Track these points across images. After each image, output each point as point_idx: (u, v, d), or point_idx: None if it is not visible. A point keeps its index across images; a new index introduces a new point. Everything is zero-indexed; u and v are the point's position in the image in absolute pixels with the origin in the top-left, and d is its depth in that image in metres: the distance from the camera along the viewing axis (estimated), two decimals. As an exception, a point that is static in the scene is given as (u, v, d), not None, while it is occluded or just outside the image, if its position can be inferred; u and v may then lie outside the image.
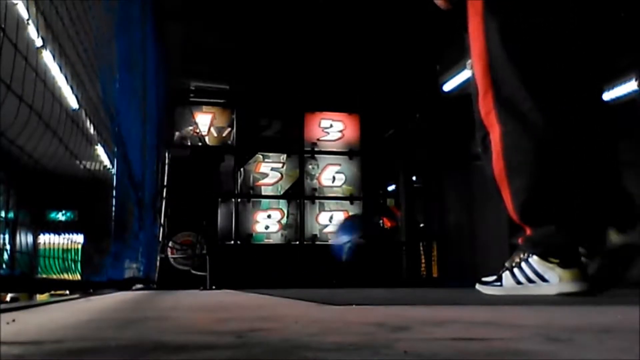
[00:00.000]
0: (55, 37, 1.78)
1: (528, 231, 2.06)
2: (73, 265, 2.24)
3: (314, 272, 6.88)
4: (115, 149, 3.13)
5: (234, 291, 3.48)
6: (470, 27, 2.15)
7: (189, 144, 7.62)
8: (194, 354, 0.60)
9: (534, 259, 2.02)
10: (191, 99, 7.76)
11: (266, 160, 7.84)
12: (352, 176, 8.00)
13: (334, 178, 7.96)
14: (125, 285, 3.41)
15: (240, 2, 6.17)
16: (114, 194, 3.28)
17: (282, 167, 7.87)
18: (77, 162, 2.06)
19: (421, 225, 8.38)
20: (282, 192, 7.81)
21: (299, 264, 7.24)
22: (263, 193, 7.79)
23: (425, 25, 6.27)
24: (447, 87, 7.37)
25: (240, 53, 7.00)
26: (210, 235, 7.22)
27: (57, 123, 1.64)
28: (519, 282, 2.06)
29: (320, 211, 7.85)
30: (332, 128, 8.07)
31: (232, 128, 7.75)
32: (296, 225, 7.74)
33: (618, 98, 5.94)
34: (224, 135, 7.76)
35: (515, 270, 2.07)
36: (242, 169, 7.72)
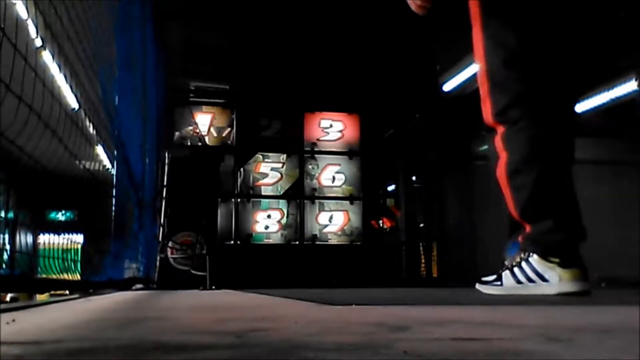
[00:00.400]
0: (54, 37, 1.78)
1: (528, 229, 2.09)
2: (73, 265, 2.24)
3: (314, 272, 6.87)
4: (115, 149, 3.13)
5: (233, 291, 3.48)
6: (473, 32, 2.22)
7: (189, 144, 7.62)
8: (194, 354, 0.60)
9: (534, 258, 2.03)
10: (191, 99, 7.76)
11: (266, 160, 7.83)
12: (352, 176, 8.00)
13: (333, 178, 7.95)
14: (125, 285, 3.40)
15: (240, 2, 6.18)
16: (114, 193, 3.28)
17: (282, 167, 7.87)
18: (77, 162, 2.06)
19: (421, 225, 8.38)
20: (282, 192, 7.81)
21: (298, 264, 7.24)
22: (263, 193, 7.78)
23: (425, 25, 6.27)
24: (447, 87, 7.37)
25: (240, 53, 7.00)
26: (210, 235, 7.22)
27: (56, 123, 1.64)
28: (519, 282, 2.06)
29: (320, 211, 7.84)
30: (332, 128, 8.07)
31: (232, 128, 7.75)
32: (296, 225, 7.74)
33: (618, 98, 5.95)
34: (223, 135, 7.76)
35: (516, 269, 2.08)
36: (242, 169, 7.72)
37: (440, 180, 7.99)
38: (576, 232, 2.04)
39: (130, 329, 0.90)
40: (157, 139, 5.88)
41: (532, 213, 2.07)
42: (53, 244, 2.21)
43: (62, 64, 1.93)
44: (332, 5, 6.22)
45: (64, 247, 2.29)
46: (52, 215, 9.53)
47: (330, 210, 7.87)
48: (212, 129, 7.72)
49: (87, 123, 2.25)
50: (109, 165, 3.12)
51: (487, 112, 2.17)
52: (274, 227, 7.70)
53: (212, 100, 7.82)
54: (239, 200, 7.66)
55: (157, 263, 6.38)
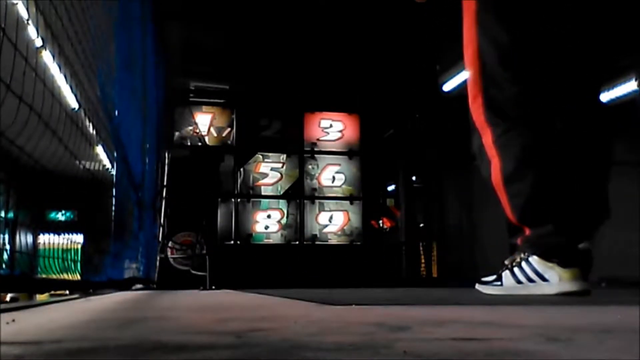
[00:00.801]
0: (54, 37, 1.78)
1: (527, 231, 2.07)
2: (73, 265, 2.24)
3: (314, 272, 6.88)
4: (115, 149, 3.13)
5: (234, 291, 3.48)
6: (464, 31, 2.16)
7: (189, 144, 7.62)
8: (194, 354, 0.60)
9: (534, 259, 2.02)
10: (191, 99, 7.76)
11: (266, 160, 7.84)
12: (352, 176, 8.00)
13: (333, 178, 7.96)
14: (125, 285, 3.40)
15: (240, 2, 6.18)
16: (114, 194, 3.28)
17: (282, 167, 7.87)
18: (77, 162, 2.06)
19: (421, 225, 8.38)
20: (281, 192, 7.81)
21: (298, 264, 7.25)
22: (263, 193, 7.79)
23: (425, 25, 6.27)
24: (447, 87, 7.37)
25: (240, 53, 7.00)
26: (210, 235, 7.22)
27: (56, 123, 1.64)
28: (519, 282, 2.05)
29: (320, 211, 7.85)
30: (331, 128, 8.07)
31: (232, 128, 7.75)
32: (296, 225, 7.74)
33: (618, 98, 5.94)
34: (223, 135, 7.76)
35: (516, 269, 2.07)
36: (242, 169, 7.72)
37: (440, 180, 8.00)
38: (578, 233, 2.01)
39: (130, 329, 0.90)
40: (157, 139, 5.88)
41: (531, 219, 2.04)
42: (53, 244, 2.21)
43: (62, 64, 1.93)
44: (332, 5, 6.22)
45: (64, 247, 2.30)
46: (52, 215, 9.53)
47: (330, 210, 7.87)
48: (212, 129, 7.73)
49: (87, 123, 2.25)
50: (108, 165, 3.12)
51: (479, 113, 2.09)
52: (274, 227, 7.70)
53: (212, 100, 7.83)
54: (239, 200, 7.66)
55: (157, 263, 6.38)
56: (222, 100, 7.87)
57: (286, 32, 6.65)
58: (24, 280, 1.64)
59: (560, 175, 2.03)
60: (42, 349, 0.66)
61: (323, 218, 7.84)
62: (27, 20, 1.63)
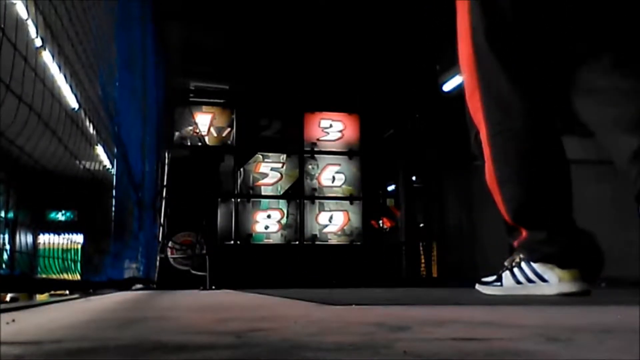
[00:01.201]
0: (54, 37, 1.78)
1: (523, 233, 2.06)
2: (73, 265, 2.24)
3: (314, 272, 6.87)
4: (115, 149, 3.13)
5: (234, 291, 3.48)
6: (459, 27, 2.14)
7: (189, 144, 7.62)
8: (194, 354, 0.60)
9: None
10: (191, 99, 7.76)
11: (266, 160, 7.84)
12: (352, 176, 8.00)
13: (333, 178, 7.96)
14: (125, 285, 3.40)
15: (240, 2, 6.18)
16: (114, 194, 3.28)
17: (282, 167, 7.87)
18: (77, 162, 2.06)
19: (421, 225, 8.38)
20: (281, 192, 7.81)
21: (298, 264, 7.24)
22: (263, 193, 7.79)
23: (425, 25, 6.27)
24: (447, 87, 7.37)
25: (240, 53, 7.00)
26: (210, 235, 7.22)
27: (56, 123, 1.64)
28: (518, 282, 2.05)
29: (320, 211, 7.84)
30: (331, 128, 8.07)
31: (232, 128, 7.75)
32: (296, 225, 7.74)
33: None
34: (223, 135, 7.76)
35: (515, 270, 2.07)
36: (241, 169, 7.72)
37: (440, 180, 7.99)
38: (572, 238, 2.00)
39: (130, 329, 0.90)
40: (157, 139, 5.88)
41: (525, 222, 2.04)
42: (53, 244, 2.21)
43: (62, 64, 1.93)
44: (332, 5, 6.22)
45: (64, 247, 2.30)
46: (52, 215, 9.52)
47: (330, 210, 7.87)
48: (212, 129, 7.72)
49: (87, 123, 2.25)
50: (109, 165, 3.12)
51: (477, 108, 2.07)
52: (274, 227, 7.70)
53: (212, 100, 7.83)
54: (238, 200, 7.66)
55: (157, 263, 6.38)
56: (222, 100, 7.87)
57: (286, 32, 6.65)
58: (24, 280, 1.64)
59: (555, 179, 2.02)
60: (42, 349, 0.66)
61: (323, 218, 7.84)
62: (27, 20, 1.63)
